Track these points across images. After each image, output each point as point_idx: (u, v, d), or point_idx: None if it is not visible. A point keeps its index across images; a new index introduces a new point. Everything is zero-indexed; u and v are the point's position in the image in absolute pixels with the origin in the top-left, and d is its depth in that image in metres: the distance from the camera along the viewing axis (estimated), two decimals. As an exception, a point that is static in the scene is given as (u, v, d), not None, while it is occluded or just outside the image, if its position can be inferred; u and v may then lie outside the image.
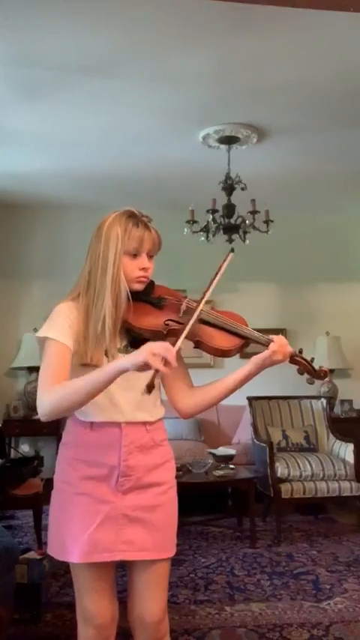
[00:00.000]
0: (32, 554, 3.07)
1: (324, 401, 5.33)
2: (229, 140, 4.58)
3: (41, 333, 1.65)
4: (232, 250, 1.77)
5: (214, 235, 4.84)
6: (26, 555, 3.03)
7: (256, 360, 1.68)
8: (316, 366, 1.79)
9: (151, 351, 1.44)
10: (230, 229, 4.78)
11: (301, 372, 1.78)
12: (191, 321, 1.62)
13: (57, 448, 1.79)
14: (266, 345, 1.69)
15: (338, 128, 4.45)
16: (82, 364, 1.62)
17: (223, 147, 4.68)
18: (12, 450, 5.18)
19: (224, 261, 1.72)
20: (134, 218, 1.67)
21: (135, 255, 1.66)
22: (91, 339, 1.62)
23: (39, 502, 3.92)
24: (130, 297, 1.65)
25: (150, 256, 1.70)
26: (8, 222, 6.21)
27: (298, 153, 4.92)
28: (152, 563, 1.70)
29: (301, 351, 1.77)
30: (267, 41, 3.34)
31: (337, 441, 4.98)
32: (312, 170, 5.30)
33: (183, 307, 1.70)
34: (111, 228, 1.65)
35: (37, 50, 3.40)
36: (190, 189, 5.36)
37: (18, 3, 2.99)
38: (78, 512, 1.65)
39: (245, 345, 1.73)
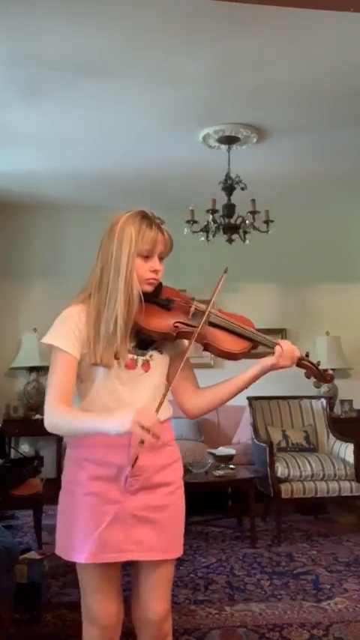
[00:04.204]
0: (32, 554, 3.07)
1: (324, 401, 5.32)
2: (229, 140, 4.58)
3: (49, 340, 1.64)
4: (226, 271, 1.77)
5: (214, 235, 4.85)
6: (26, 555, 3.03)
7: (263, 362, 1.70)
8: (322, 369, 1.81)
9: (138, 422, 1.44)
10: (230, 229, 4.78)
11: (308, 376, 1.80)
12: (201, 325, 1.64)
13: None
14: (272, 348, 1.70)
15: (338, 128, 4.45)
16: (93, 364, 1.63)
17: (223, 147, 4.68)
18: (12, 450, 5.18)
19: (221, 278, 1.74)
20: (147, 219, 1.66)
21: (147, 257, 1.65)
22: (102, 339, 1.62)
23: (39, 502, 3.92)
24: (143, 299, 1.65)
25: (161, 258, 1.69)
26: (8, 222, 6.20)
27: (298, 153, 4.92)
28: (159, 563, 1.70)
29: (307, 355, 1.78)
30: (267, 41, 3.34)
31: (337, 441, 4.98)
32: (312, 170, 5.30)
33: (192, 310, 1.70)
34: (124, 229, 1.64)
35: (37, 50, 3.40)
36: (190, 189, 5.35)
37: (18, 3, 2.99)
38: (86, 513, 1.65)
39: (253, 348, 1.74)
